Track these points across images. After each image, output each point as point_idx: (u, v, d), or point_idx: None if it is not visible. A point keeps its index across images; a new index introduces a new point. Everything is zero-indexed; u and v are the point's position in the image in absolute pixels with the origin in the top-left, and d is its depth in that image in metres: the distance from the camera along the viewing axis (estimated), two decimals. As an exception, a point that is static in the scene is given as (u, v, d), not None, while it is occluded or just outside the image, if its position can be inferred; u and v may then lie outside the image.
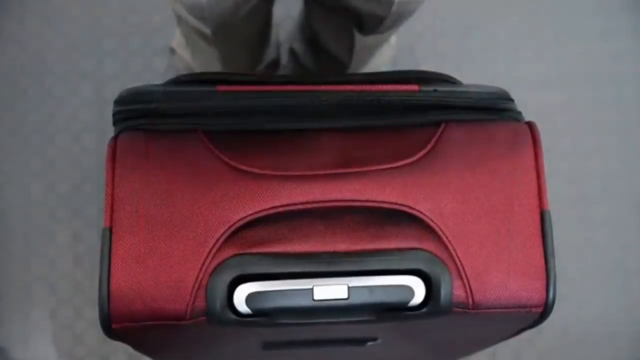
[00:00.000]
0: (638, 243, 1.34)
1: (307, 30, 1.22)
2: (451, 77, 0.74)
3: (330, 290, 0.65)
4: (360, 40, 1.04)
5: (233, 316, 0.65)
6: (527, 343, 1.28)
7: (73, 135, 1.30)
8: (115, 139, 0.70)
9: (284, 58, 1.36)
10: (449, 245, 0.66)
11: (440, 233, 0.66)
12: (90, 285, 1.26)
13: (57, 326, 1.24)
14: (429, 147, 0.69)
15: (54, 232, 1.27)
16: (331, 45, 1.13)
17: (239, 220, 0.65)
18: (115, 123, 0.73)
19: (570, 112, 1.39)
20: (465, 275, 0.66)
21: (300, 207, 0.65)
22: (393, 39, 1.31)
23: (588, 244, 1.33)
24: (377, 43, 1.09)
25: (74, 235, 1.27)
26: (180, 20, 1.04)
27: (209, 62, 1.20)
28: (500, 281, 0.66)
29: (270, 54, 1.26)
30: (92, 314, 1.25)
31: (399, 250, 0.66)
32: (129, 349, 1.18)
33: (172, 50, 1.28)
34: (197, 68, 1.24)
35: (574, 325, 1.30)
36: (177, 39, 1.28)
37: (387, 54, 1.32)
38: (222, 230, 0.65)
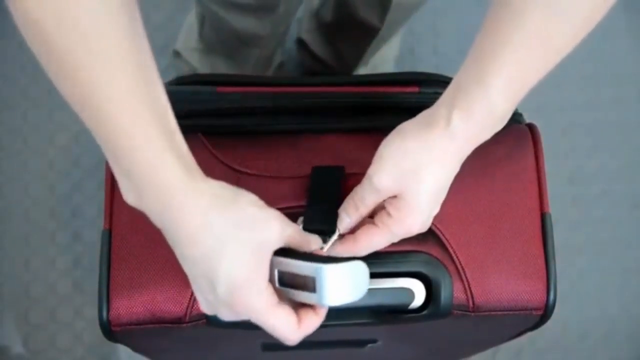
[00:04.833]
0: (637, 243, 1.34)
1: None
2: (450, 79, 0.73)
3: (331, 293, 0.65)
4: None
5: (233, 319, 0.65)
6: (527, 342, 1.28)
7: (73, 135, 1.30)
8: (115, 140, 0.70)
9: (286, 53, 1.35)
10: (450, 248, 0.66)
11: (441, 236, 0.66)
12: (90, 285, 1.26)
13: (57, 325, 1.24)
14: (429, 149, 0.68)
15: (54, 232, 1.27)
16: (360, 6, 1.08)
17: (238, 223, 0.65)
18: (115, 124, 0.72)
19: (571, 112, 1.38)
20: (466, 277, 0.66)
21: (300, 209, 0.65)
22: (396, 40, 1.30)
23: (588, 244, 1.33)
24: (416, 1, 1.04)
25: (74, 235, 1.27)
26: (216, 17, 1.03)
27: (219, 63, 1.20)
28: (501, 284, 0.66)
29: (278, 57, 1.25)
30: (92, 313, 1.24)
31: (400, 252, 0.66)
32: (128, 348, 1.18)
33: (177, 54, 1.27)
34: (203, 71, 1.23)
35: (574, 324, 1.30)
36: (183, 42, 1.26)
37: (395, 46, 1.30)
38: (222, 233, 0.64)
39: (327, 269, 0.54)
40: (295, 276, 0.55)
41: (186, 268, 0.55)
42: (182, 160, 0.51)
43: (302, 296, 0.55)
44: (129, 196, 0.53)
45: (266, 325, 0.55)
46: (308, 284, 0.55)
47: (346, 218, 0.61)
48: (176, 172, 0.51)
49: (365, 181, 0.60)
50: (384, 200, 0.60)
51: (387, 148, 0.59)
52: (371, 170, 0.59)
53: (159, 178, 0.50)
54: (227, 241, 0.52)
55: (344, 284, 0.55)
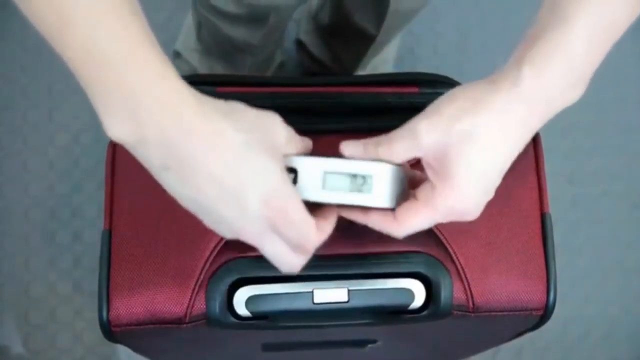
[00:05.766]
0: (638, 243, 1.34)
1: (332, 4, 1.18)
2: (450, 79, 0.73)
3: (331, 293, 0.65)
4: (395, 2, 0.98)
5: (233, 319, 0.65)
6: (527, 342, 1.27)
7: (73, 135, 1.30)
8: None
9: (286, 53, 1.35)
10: (450, 248, 0.66)
11: (440, 236, 0.66)
12: (90, 285, 1.26)
13: (57, 325, 1.24)
14: (429, 149, 0.68)
15: (54, 232, 1.27)
16: (356, 12, 1.07)
17: (238, 223, 0.64)
18: (114, 125, 0.72)
19: (571, 112, 1.38)
20: (466, 278, 0.66)
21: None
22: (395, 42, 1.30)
23: (588, 244, 1.33)
24: (413, 8, 1.02)
25: (74, 235, 1.27)
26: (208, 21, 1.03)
27: (215, 65, 1.20)
28: (501, 284, 0.66)
29: (278, 57, 1.25)
30: (92, 313, 1.24)
31: (400, 253, 0.66)
32: (128, 348, 1.18)
33: (177, 54, 1.27)
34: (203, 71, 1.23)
35: (574, 324, 1.30)
36: (183, 42, 1.26)
37: (394, 47, 1.31)
38: (222, 233, 0.64)
39: (390, 167, 0.51)
40: (344, 177, 0.51)
41: (209, 194, 0.48)
42: (179, 78, 0.47)
43: (354, 198, 0.51)
44: (124, 127, 0.46)
45: (303, 226, 0.49)
46: (358, 185, 0.51)
47: (355, 150, 0.54)
48: (180, 86, 0.47)
49: (405, 130, 0.51)
50: (428, 171, 0.52)
51: (441, 102, 0.51)
52: (416, 119, 0.51)
53: (164, 92, 0.46)
54: (247, 146, 0.47)
55: (398, 185, 0.53)
